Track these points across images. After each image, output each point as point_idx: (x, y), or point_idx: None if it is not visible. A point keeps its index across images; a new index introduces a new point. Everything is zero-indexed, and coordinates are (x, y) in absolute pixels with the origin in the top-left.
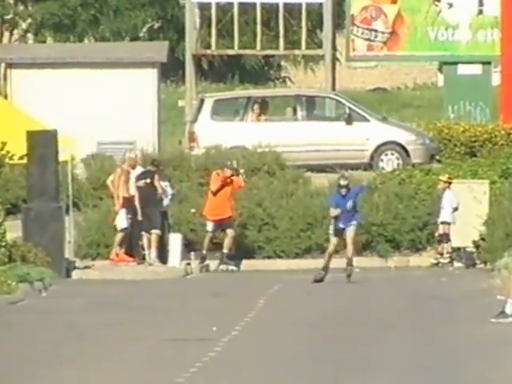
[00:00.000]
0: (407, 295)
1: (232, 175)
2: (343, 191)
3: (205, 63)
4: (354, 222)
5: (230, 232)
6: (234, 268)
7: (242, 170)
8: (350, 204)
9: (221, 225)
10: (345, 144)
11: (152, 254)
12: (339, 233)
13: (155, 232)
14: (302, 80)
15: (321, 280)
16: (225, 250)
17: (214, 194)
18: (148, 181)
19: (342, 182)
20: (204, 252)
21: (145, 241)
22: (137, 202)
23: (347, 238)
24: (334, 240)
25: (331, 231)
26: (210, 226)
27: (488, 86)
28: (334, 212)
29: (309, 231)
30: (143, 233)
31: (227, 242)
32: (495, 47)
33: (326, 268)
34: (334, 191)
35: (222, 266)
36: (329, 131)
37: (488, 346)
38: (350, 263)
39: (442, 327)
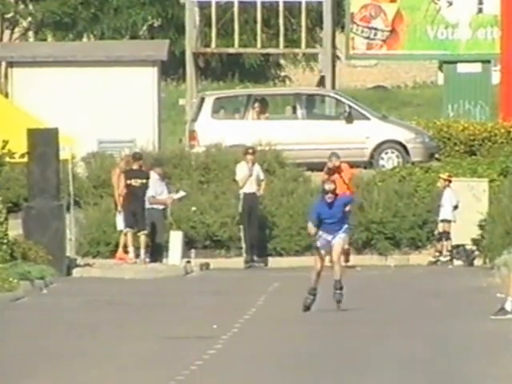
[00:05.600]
0: (407, 293)
1: (339, 165)
2: (329, 197)
3: (201, 61)
4: (342, 235)
5: None
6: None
7: None
8: (341, 237)
9: None
10: (345, 142)
11: (142, 254)
12: (328, 246)
13: (143, 233)
14: (302, 78)
15: (309, 308)
16: (346, 246)
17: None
18: (144, 181)
19: (328, 187)
20: None
21: (129, 237)
22: (120, 199)
23: (333, 255)
24: (321, 254)
25: (318, 243)
26: None
27: (488, 85)
28: (310, 229)
29: None
30: (127, 229)
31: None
32: (495, 46)
33: (314, 290)
34: (319, 199)
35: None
36: (329, 129)
37: (488, 343)
38: (338, 286)
39: (442, 324)
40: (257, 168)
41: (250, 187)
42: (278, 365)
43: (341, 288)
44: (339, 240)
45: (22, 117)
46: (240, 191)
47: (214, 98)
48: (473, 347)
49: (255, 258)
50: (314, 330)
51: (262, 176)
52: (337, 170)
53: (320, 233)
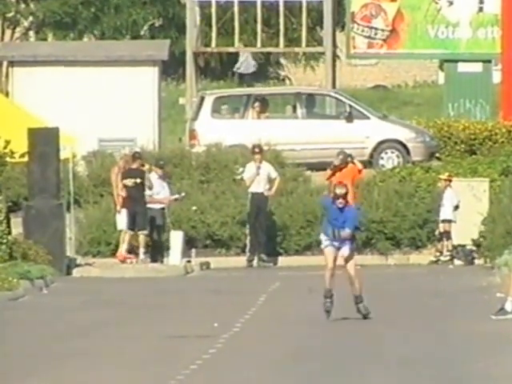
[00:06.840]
0: (407, 292)
1: (346, 164)
2: (340, 203)
3: (201, 60)
4: (352, 247)
5: None
6: None
7: (240, 169)
8: (347, 231)
9: None
10: (345, 142)
11: (141, 254)
12: (335, 247)
13: (143, 233)
14: (302, 78)
15: (329, 311)
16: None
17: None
18: (138, 181)
19: (339, 191)
20: None
21: (126, 237)
22: (120, 199)
23: (349, 270)
24: (331, 251)
25: (326, 242)
26: None
27: (488, 84)
28: (325, 241)
29: (308, 228)
30: (125, 229)
31: None
32: (495, 45)
33: (330, 292)
34: (330, 198)
35: None
36: (329, 129)
37: (488, 343)
38: (359, 301)
39: (442, 324)
40: (266, 167)
41: (257, 187)
42: (278, 364)
43: (361, 301)
44: (350, 253)
45: (23, 116)
46: (248, 190)
47: (214, 98)
48: (473, 347)
49: (264, 257)
50: (314, 330)
51: (273, 174)
52: (343, 167)
53: (324, 237)
